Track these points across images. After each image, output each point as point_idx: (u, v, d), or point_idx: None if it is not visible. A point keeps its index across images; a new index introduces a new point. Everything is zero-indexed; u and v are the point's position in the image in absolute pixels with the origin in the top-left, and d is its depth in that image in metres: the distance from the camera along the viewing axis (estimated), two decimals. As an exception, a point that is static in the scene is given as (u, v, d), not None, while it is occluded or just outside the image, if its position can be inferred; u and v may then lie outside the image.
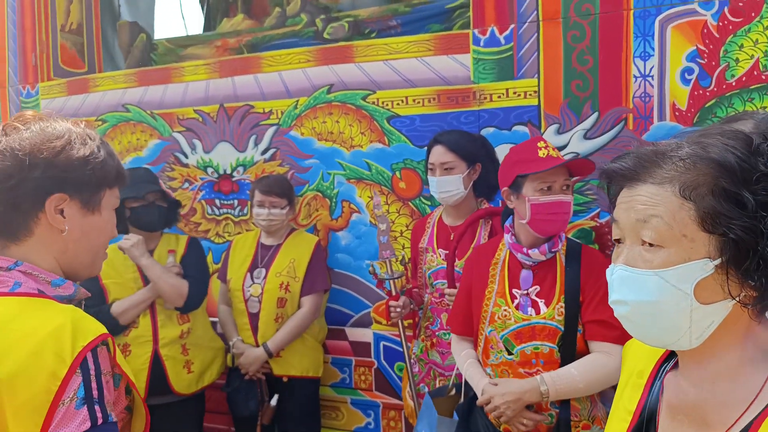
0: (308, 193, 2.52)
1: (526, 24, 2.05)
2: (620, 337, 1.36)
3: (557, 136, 2.02)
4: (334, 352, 2.45)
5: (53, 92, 3.14)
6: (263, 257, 2.28)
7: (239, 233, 2.66)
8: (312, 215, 2.53)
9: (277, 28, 3.25)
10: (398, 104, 2.32)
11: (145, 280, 2.08)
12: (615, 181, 0.71)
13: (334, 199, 2.48)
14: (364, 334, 2.41)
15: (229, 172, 2.69)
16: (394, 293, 2.00)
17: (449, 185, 1.88)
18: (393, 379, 2.35)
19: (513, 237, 1.58)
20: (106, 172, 0.94)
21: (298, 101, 2.52)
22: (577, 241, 1.63)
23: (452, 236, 1.93)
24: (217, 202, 2.73)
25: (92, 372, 0.80)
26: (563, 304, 1.47)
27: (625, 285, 0.67)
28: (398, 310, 1.95)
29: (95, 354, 0.81)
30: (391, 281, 2.00)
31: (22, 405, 0.75)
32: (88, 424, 0.77)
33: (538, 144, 1.53)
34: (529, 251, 1.52)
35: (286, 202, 2.24)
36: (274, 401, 2.17)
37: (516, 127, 2.08)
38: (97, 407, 0.79)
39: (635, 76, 1.93)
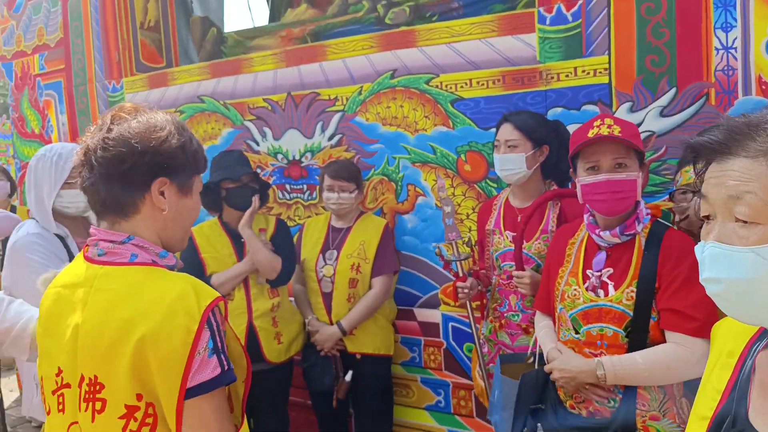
0: (374, 177, 2.58)
1: (596, -1, 1.98)
2: (698, 329, 1.32)
3: (630, 115, 1.96)
4: (403, 331, 2.53)
5: (136, 86, 3.36)
6: (334, 239, 2.37)
7: (309, 217, 2.77)
8: (378, 199, 2.59)
9: (339, 16, 3.29)
10: (462, 87, 2.31)
11: (239, 256, 2.23)
12: (703, 155, 0.68)
13: (399, 183, 2.53)
14: (433, 315, 2.47)
15: (297, 158, 2.80)
16: (461, 274, 2.03)
17: (511, 163, 1.88)
18: (462, 359, 2.41)
19: (591, 217, 1.55)
20: (197, 159, 1.05)
21: (362, 87, 2.56)
22: (666, 224, 1.55)
23: (519, 218, 1.93)
24: (287, 186, 2.85)
25: (215, 327, 0.93)
26: (634, 289, 1.43)
27: (719, 262, 0.66)
28: (466, 291, 1.99)
29: (215, 312, 0.93)
30: (458, 263, 2.03)
31: (165, 357, 0.88)
32: (218, 370, 0.91)
33: (595, 122, 1.48)
34: (601, 233, 1.49)
35: (354, 187, 2.31)
36: (348, 377, 2.28)
37: (585, 107, 2.03)
38: (222, 356, 0.93)
39: (717, 49, 1.83)
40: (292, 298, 2.54)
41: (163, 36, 3.68)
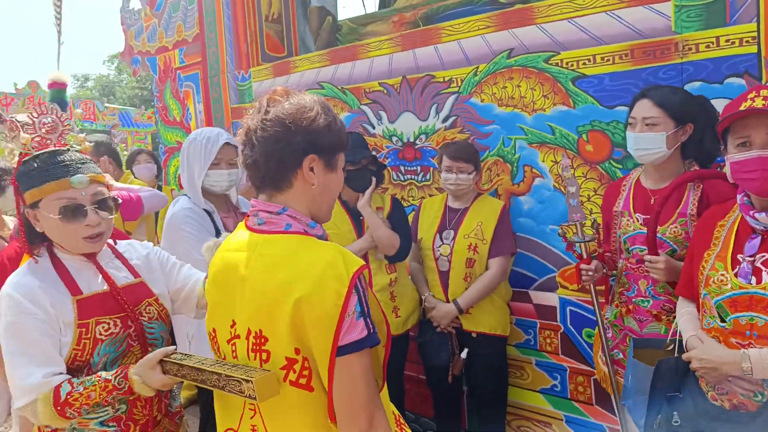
0: (489, 159, 2.57)
1: (743, -41, 1.78)
2: None
3: (784, 87, 1.75)
4: (518, 313, 2.53)
5: (261, 76, 3.61)
6: (451, 219, 2.42)
7: (423, 197, 2.84)
8: (493, 180, 2.58)
9: (451, -3, 3.27)
10: (584, 64, 2.21)
11: (359, 233, 2.36)
12: None
13: (515, 164, 2.50)
14: (549, 298, 2.44)
15: (412, 140, 2.86)
16: (584, 257, 1.97)
17: (648, 143, 1.76)
18: (581, 344, 2.36)
19: (746, 198, 1.44)
20: (341, 137, 1.14)
21: (477, 68, 2.55)
22: None
23: (653, 200, 1.82)
24: (402, 168, 2.93)
25: (361, 292, 1.02)
26: None
27: None
28: (590, 273, 1.93)
29: (361, 279, 1.03)
30: (582, 244, 1.98)
31: (318, 318, 0.98)
32: (365, 332, 1.01)
33: (749, 94, 1.35)
34: (756, 215, 1.38)
35: (472, 168, 2.33)
36: (464, 354, 2.34)
37: (729, 80, 1.86)
38: (368, 320, 1.02)
39: None
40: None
41: (285, 27, 3.90)
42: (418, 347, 2.53)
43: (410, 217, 2.62)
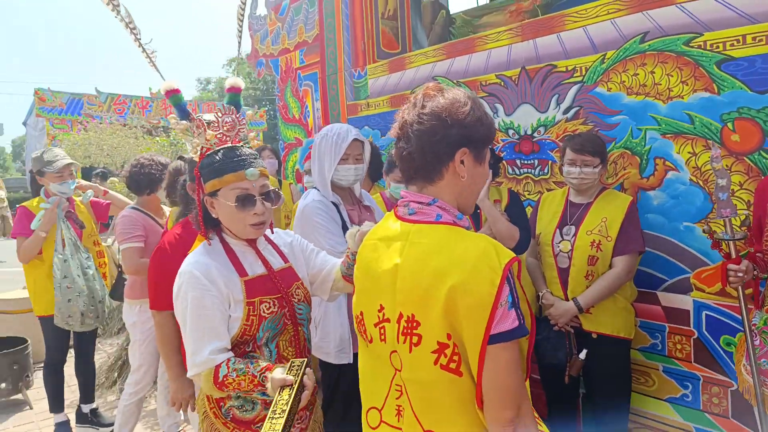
0: (614, 151, 2.43)
1: None
2: None
3: None
4: (642, 315, 2.36)
5: (377, 72, 3.71)
6: (572, 215, 2.32)
7: (539, 192, 2.75)
8: (618, 174, 2.44)
9: (576, -19, 3.12)
10: (732, 45, 2.01)
11: (476, 226, 2.35)
12: None
13: (645, 157, 2.34)
14: (681, 301, 2.25)
15: (529, 132, 2.78)
16: (733, 256, 1.80)
17: None
18: (717, 352, 2.15)
19: None
20: (491, 131, 1.16)
21: (605, 55, 2.42)
22: None
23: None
24: (518, 162, 2.86)
25: (513, 283, 1.03)
26: None
27: None
28: (739, 274, 1.76)
29: (512, 270, 1.04)
30: (731, 243, 1.80)
31: (471, 305, 1.00)
32: (516, 323, 1.02)
33: None
34: None
35: (598, 161, 2.22)
36: (582, 355, 2.24)
37: None
38: (519, 311, 1.03)
39: None
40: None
41: (399, 23, 3.98)
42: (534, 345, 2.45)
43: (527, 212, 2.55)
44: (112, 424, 3.46)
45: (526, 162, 2.83)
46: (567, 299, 2.26)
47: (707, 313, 2.18)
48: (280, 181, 4.63)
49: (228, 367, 1.38)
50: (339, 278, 1.66)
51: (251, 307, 1.46)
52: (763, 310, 1.81)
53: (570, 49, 2.55)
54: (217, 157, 1.48)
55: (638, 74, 2.31)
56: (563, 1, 3.19)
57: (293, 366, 1.38)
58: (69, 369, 3.49)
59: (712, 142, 2.12)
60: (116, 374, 4.15)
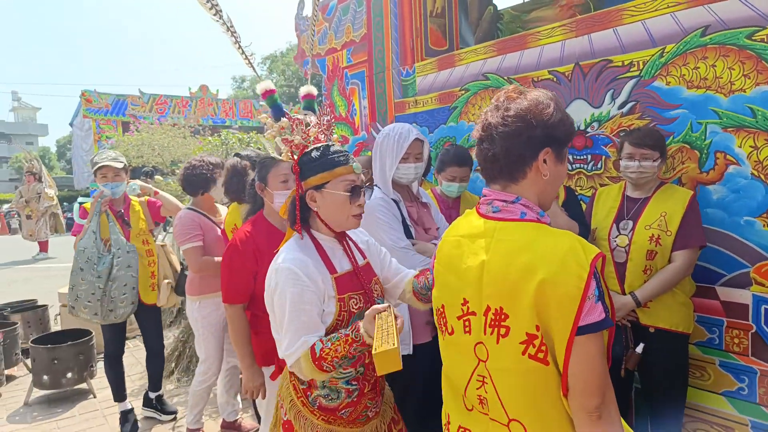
0: (672, 145, 2.42)
1: None
2: None
3: None
4: (700, 310, 2.35)
5: (426, 70, 3.77)
6: (629, 209, 2.33)
7: (592, 187, 2.76)
8: (677, 168, 2.43)
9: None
10: (801, 36, 2.00)
11: None
12: None
13: (705, 151, 2.33)
14: (741, 295, 2.24)
15: (582, 128, 2.79)
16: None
17: None
18: (779, 346, 2.13)
19: None
20: (572, 131, 1.21)
21: (664, 49, 2.41)
22: None
23: None
24: (570, 157, 2.87)
25: (599, 277, 1.08)
26: None
27: None
28: None
29: (597, 265, 1.08)
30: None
31: (561, 298, 1.05)
32: (603, 315, 1.07)
33: None
34: None
35: (658, 155, 2.22)
36: (639, 349, 2.24)
37: None
38: (605, 303, 1.08)
39: None
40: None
41: (447, 21, 4.03)
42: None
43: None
44: (174, 412, 3.63)
45: (578, 157, 2.84)
46: (624, 293, 2.27)
47: (767, 307, 2.16)
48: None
49: (322, 342, 1.47)
50: (409, 290, 1.74)
51: (342, 303, 1.55)
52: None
53: (627, 44, 2.56)
54: (318, 154, 1.57)
55: (699, 68, 2.31)
56: (615, -5, 3.19)
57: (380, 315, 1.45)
58: (130, 358, 3.65)
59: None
60: (174, 365, 4.32)
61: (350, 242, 1.71)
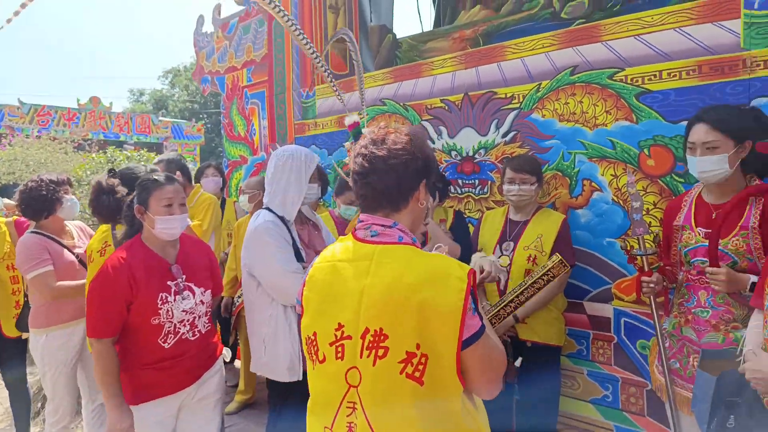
0: (548, 172, 2.64)
1: (817, -23, 1.84)
2: None
3: None
4: (571, 324, 2.54)
5: (326, 93, 3.81)
6: (511, 231, 2.48)
7: (480, 210, 2.92)
8: (551, 193, 2.64)
9: (513, 14, 3.39)
10: (650, 80, 2.28)
11: (421, 244, 2.46)
12: None
13: (574, 178, 2.55)
14: (603, 309, 2.45)
15: (471, 154, 2.96)
16: (646, 269, 2.01)
17: (711, 165, 1.80)
18: (634, 355, 2.35)
19: None
20: (436, 163, 1.32)
21: (540, 84, 2.64)
22: None
23: (714, 215, 1.86)
24: (460, 181, 3.02)
25: (474, 291, 1.14)
26: None
27: None
28: (651, 285, 1.97)
29: (471, 280, 1.15)
30: (644, 257, 2.02)
31: (444, 314, 1.10)
32: (480, 323, 1.14)
33: None
34: None
35: (535, 180, 2.40)
36: (518, 362, 2.37)
37: (798, 95, 1.89)
38: (479, 313, 1.15)
39: None
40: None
41: (349, 46, 4.12)
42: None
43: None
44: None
45: (467, 182, 3.00)
46: (505, 309, 2.39)
47: (625, 319, 2.38)
48: (224, 199, 4.57)
49: None
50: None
51: None
52: (672, 316, 2.02)
53: (509, 78, 2.77)
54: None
55: (569, 103, 2.55)
56: (505, 30, 3.45)
57: None
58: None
59: (630, 167, 2.36)
60: (40, 405, 3.85)
61: None
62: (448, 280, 1.12)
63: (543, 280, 1.77)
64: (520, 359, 2.39)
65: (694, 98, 2.13)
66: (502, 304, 1.75)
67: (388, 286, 1.15)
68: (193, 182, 4.46)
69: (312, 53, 1.97)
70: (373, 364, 1.14)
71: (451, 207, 2.99)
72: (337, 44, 4.10)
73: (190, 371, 2.06)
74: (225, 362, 4.34)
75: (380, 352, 1.14)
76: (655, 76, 2.25)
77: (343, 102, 2.15)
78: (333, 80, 1.98)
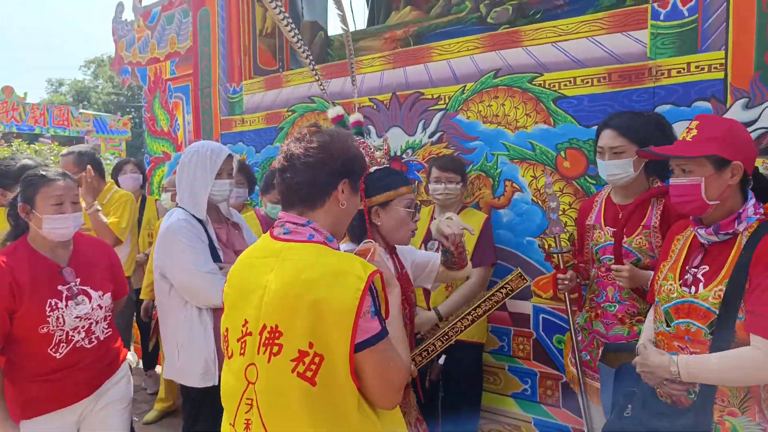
0: (472, 173, 2.69)
1: (715, -7, 1.98)
2: None
3: (745, 111, 1.93)
4: (492, 321, 2.61)
5: (253, 88, 3.70)
6: (435, 230, 2.50)
7: (407, 210, 2.93)
8: (475, 194, 2.70)
9: (442, 17, 3.44)
10: (565, 85, 2.37)
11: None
12: None
13: (497, 179, 2.62)
14: (524, 306, 2.53)
15: (399, 153, 2.96)
16: (561, 267, 2.09)
17: (618, 168, 1.90)
18: (551, 349, 2.45)
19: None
20: (365, 164, 1.30)
21: (465, 86, 2.69)
22: None
23: (621, 215, 1.96)
24: (388, 181, 3.02)
25: (375, 293, 1.13)
26: (723, 288, 1.41)
27: None
28: (566, 282, 2.05)
29: (375, 282, 1.14)
30: (560, 255, 2.09)
31: (338, 313, 1.08)
32: (379, 327, 1.12)
33: (690, 125, 1.51)
34: (699, 230, 1.51)
35: (460, 178, 2.44)
36: (441, 360, 2.39)
37: (697, 103, 2.03)
38: (380, 316, 1.14)
39: (842, 43, 1.77)
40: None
41: (277, 41, 4.03)
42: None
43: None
44: None
45: (395, 181, 3.00)
46: (429, 309, 2.42)
47: (543, 316, 2.47)
48: (144, 197, 4.34)
49: None
50: (443, 269, 1.87)
51: None
52: (584, 311, 2.12)
53: (436, 79, 2.80)
54: (384, 174, 1.74)
55: (492, 105, 2.61)
56: (434, 32, 3.49)
57: None
58: None
59: (548, 169, 2.45)
60: None
61: (396, 255, 1.82)
62: (346, 279, 1.10)
63: (501, 293, 1.78)
64: (443, 357, 2.41)
65: (605, 104, 2.24)
66: (459, 317, 1.78)
67: (285, 284, 1.13)
68: (107, 178, 4.21)
69: (303, 52, 1.99)
70: (268, 361, 1.13)
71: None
72: (266, 39, 4.00)
73: (87, 381, 1.92)
74: (145, 369, 4.13)
75: (275, 349, 1.12)
76: (570, 82, 2.35)
77: (326, 91, 2.17)
78: (322, 83, 2.02)
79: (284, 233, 1.23)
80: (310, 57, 2.19)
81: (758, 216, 1.46)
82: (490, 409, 2.62)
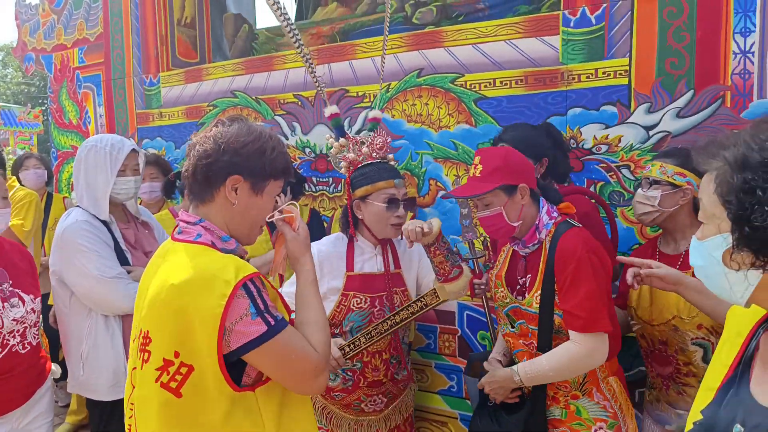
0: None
1: (620, 2, 2.07)
2: (584, 325, 1.48)
3: (648, 115, 2.05)
4: (419, 319, 2.63)
5: (172, 81, 3.51)
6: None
7: (333, 208, 2.89)
8: (401, 192, 2.70)
9: (368, 15, 3.41)
10: (486, 86, 2.42)
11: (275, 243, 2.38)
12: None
13: (421, 178, 2.64)
14: (449, 304, 2.56)
15: (325, 152, 2.92)
16: (477, 271, 2.13)
17: None
18: (476, 346, 2.50)
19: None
20: (275, 166, 1.20)
21: (390, 85, 2.68)
22: (570, 223, 1.62)
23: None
24: (314, 179, 2.97)
25: (255, 293, 1.08)
26: (539, 293, 1.58)
27: (692, 252, 0.85)
28: (482, 287, 2.10)
29: (254, 282, 1.09)
30: (474, 260, 2.14)
31: (204, 320, 1.03)
32: (264, 327, 1.07)
33: (474, 160, 1.64)
34: (514, 246, 1.68)
35: None
36: (367, 359, 2.39)
37: (604, 107, 2.13)
38: (267, 315, 1.08)
39: (734, 53, 1.91)
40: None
41: (198, 32, 3.84)
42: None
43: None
44: None
45: (321, 179, 2.96)
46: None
47: (468, 313, 2.52)
48: (50, 194, 4.04)
49: None
50: (435, 280, 1.84)
51: (344, 298, 1.82)
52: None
53: (361, 77, 2.77)
54: (368, 169, 1.84)
55: (416, 104, 2.62)
56: (361, 30, 3.46)
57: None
58: None
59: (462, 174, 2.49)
60: None
61: (390, 250, 1.89)
62: (212, 284, 1.05)
63: (417, 305, 1.81)
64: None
65: (521, 106, 2.30)
66: (382, 320, 1.80)
67: (157, 288, 1.09)
68: (8, 174, 3.89)
69: (303, 56, 1.97)
70: (141, 368, 1.09)
71: (306, 205, 2.93)
72: (186, 29, 3.81)
73: (20, 389, 1.79)
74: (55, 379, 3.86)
75: (146, 356, 1.08)
76: (490, 83, 2.39)
77: (317, 82, 2.15)
78: (318, 82, 2.15)
79: (178, 233, 1.19)
80: (311, 61, 2.08)
81: (553, 220, 1.61)
82: (417, 407, 2.64)
